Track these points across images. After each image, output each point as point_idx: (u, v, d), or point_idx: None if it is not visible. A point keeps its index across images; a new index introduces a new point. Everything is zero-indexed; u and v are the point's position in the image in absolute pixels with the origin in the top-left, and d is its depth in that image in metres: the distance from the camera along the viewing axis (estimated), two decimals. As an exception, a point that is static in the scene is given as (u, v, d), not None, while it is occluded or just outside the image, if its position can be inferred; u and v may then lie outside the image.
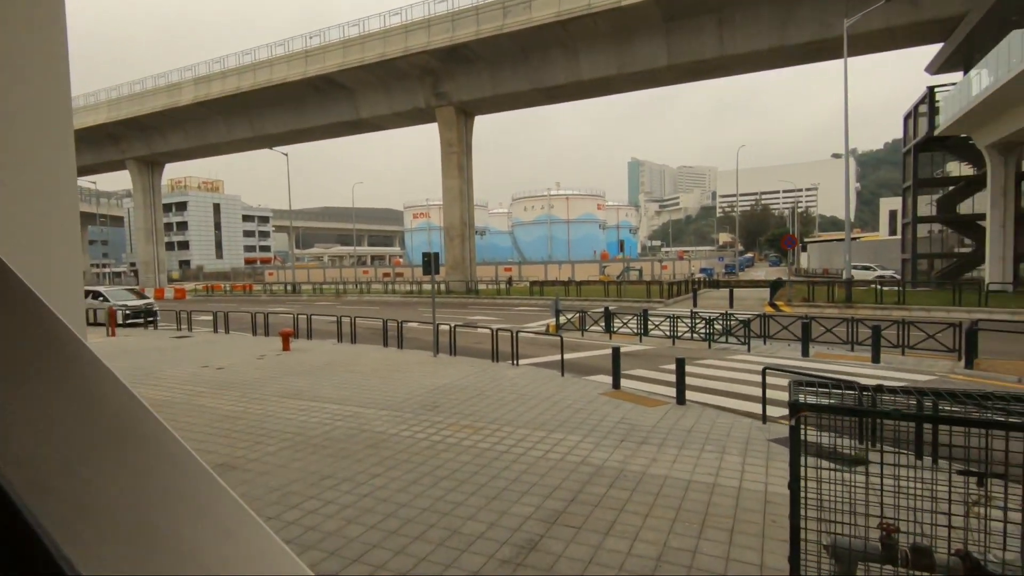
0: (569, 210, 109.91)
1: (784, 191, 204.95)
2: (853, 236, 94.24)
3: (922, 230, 38.90)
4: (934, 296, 23.51)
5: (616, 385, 10.75)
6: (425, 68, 36.18)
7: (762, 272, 74.01)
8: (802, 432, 3.49)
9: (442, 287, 40.38)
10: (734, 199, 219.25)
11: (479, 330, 21.33)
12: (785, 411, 9.15)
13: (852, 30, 25.02)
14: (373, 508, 5.54)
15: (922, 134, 33.58)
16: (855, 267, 52.50)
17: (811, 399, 3.88)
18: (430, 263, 14.36)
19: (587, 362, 13.87)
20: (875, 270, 48.31)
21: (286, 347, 16.30)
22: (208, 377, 12.53)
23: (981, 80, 24.36)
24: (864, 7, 25.84)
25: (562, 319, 19.28)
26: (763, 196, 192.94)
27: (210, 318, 27.08)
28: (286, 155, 46.58)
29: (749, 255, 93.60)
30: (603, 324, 18.34)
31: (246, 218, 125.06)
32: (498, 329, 14.04)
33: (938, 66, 30.20)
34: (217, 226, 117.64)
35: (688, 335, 16.19)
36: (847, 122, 22.37)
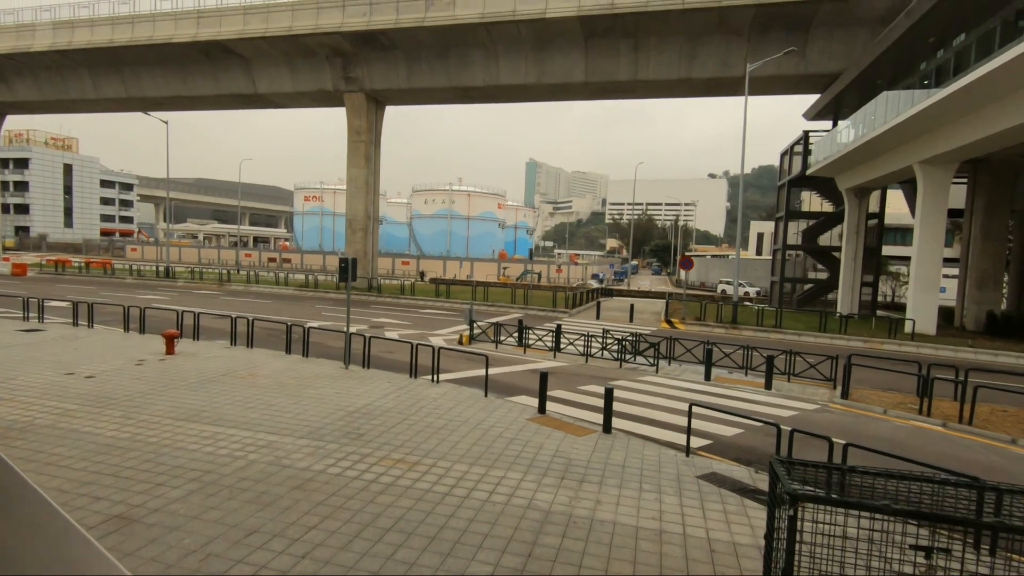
0: (470, 207, 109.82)
1: (666, 204, 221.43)
2: (723, 253, 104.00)
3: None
4: (803, 320, 26.45)
5: (542, 410, 10.76)
6: (336, 49, 34.07)
7: (647, 281, 79.00)
8: (799, 523, 3.57)
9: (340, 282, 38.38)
10: (622, 207, 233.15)
11: (387, 334, 20.52)
12: (704, 441, 9.72)
13: (750, 73, 27.34)
14: (318, 574, 4.98)
15: (796, 171, 37.60)
16: (726, 282, 58.25)
17: (797, 474, 4.01)
18: (347, 270, 13.45)
19: (506, 379, 13.79)
20: (743, 286, 54.08)
21: (170, 350, 14.49)
22: (76, 389, 10.76)
23: (850, 133, 27.76)
24: (760, 53, 28.37)
25: (476, 329, 19.07)
26: (649, 207, 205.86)
27: (64, 305, 23.48)
28: (166, 122, 41.61)
29: (634, 263, 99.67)
30: (517, 336, 18.38)
31: (105, 184, 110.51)
32: (417, 344, 13.48)
33: (814, 114, 33.99)
34: (68, 190, 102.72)
35: (599, 353, 16.71)
36: (743, 157, 24.47)
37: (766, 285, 52.87)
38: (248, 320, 16.48)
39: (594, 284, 70.88)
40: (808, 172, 34.66)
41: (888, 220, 38.96)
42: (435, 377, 12.69)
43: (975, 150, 21.52)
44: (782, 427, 7.99)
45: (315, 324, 22.08)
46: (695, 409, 9.02)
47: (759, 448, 9.50)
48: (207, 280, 41.02)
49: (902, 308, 44.83)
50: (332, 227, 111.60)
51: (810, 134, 35.88)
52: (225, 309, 25.70)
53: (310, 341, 15.18)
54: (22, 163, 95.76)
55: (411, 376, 13.06)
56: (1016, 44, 14.93)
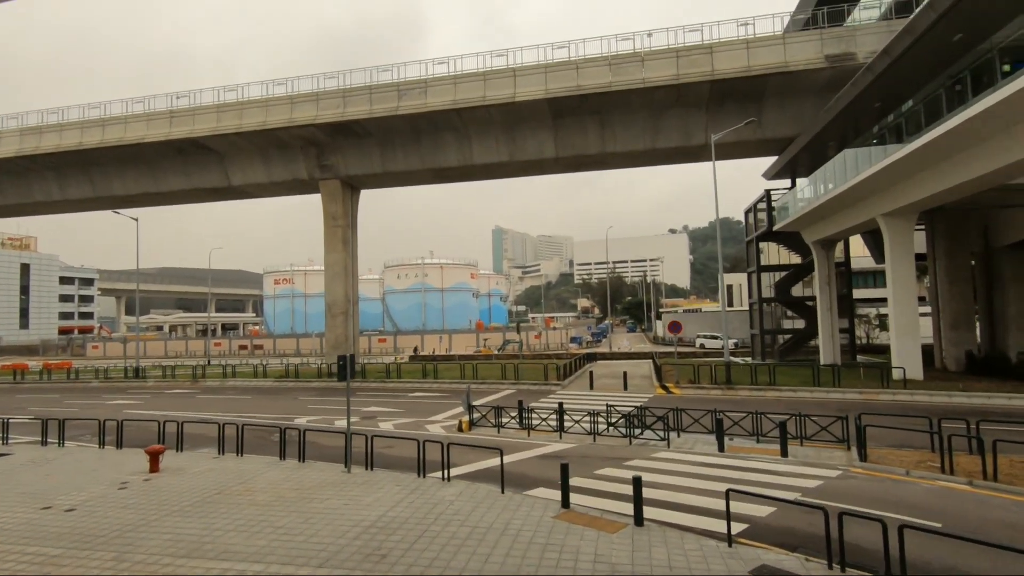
0: (443, 279, 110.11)
1: (632, 260, 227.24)
2: (694, 307, 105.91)
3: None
4: (795, 375, 26.60)
5: (566, 504, 10.22)
6: (310, 140, 34.76)
7: (625, 340, 79.35)
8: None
9: (323, 367, 37.20)
10: (589, 267, 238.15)
11: (381, 425, 19.70)
12: (740, 525, 9.28)
13: (711, 141, 28.90)
14: None
15: (761, 227, 39.11)
16: (705, 336, 58.93)
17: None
18: (345, 367, 12.98)
19: (518, 469, 13.18)
20: (721, 338, 54.85)
21: (154, 467, 13.48)
22: (57, 526, 9.77)
23: (813, 189, 29.21)
24: (719, 122, 30.13)
25: (475, 414, 18.47)
26: (616, 265, 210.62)
27: (28, 420, 21.96)
28: (136, 219, 41.10)
29: (608, 322, 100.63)
30: (518, 418, 17.85)
31: (64, 280, 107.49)
32: (425, 441, 12.87)
33: (772, 174, 35.88)
34: (24, 290, 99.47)
35: (607, 430, 16.29)
36: (718, 217, 25.42)
37: (742, 335, 53.67)
38: (238, 426, 15.57)
39: (574, 348, 70.88)
40: (775, 228, 36.07)
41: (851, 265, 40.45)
42: (446, 474, 12.05)
43: (932, 202, 22.79)
44: (827, 509, 7.68)
45: (304, 421, 21.17)
46: (721, 487, 8.67)
47: (800, 529, 9.11)
48: (180, 377, 39.27)
49: (877, 350, 45.90)
50: (304, 309, 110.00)
51: (771, 192, 37.69)
52: (205, 410, 24.47)
53: (302, 442, 14.35)
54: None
55: (419, 475, 12.38)
56: (963, 110, 16.16)
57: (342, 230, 36.29)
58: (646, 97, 29.66)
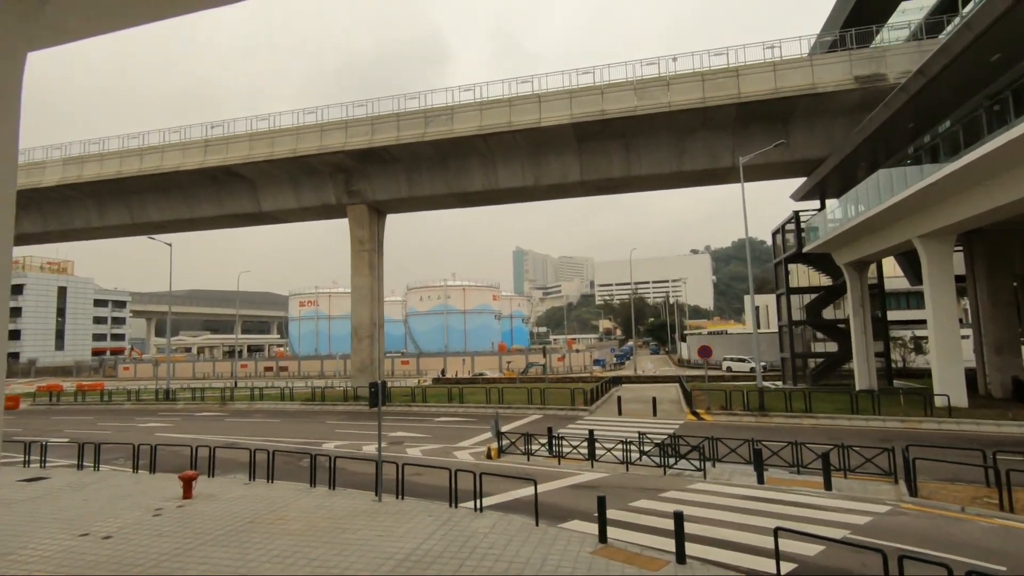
0: (466, 300, 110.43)
1: (654, 281, 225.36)
2: (720, 328, 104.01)
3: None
4: (831, 401, 25.74)
5: (603, 538, 9.92)
6: (339, 166, 35.48)
7: (649, 362, 78.12)
8: None
9: (348, 390, 37.32)
10: (611, 288, 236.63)
11: (408, 452, 19.56)
12: (789, 565, 8.86)
13: (739, 163, 28.67)
14: None
15: (789, 249, 38.45)
16: (731, 359, 57.59)
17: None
18: (377, 394, 12.96)
19: (551, 500, 12.88)
20: (748, 361, 53.59)
21: (187, 494, 13.54)
22: (95, 554, 9.81)
23: (846, 210, 28.67)
24: (745, 144, 29.91)
25: (504, 441, 18.23)
26: (638, 286, 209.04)
27: (64, 442, 22.38)
28: (170, 245, 42.25)
29: (630, 343, 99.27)
30: (547, 445, 17.55)
31: (98, 303, 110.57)
32: (457, 471, 12.70)
33: (801, 195, 35.34)
34: (61, 312, 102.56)
35: (638, 457, 15.90)
36: (747, 240, 24.97)
37: (771, 358, 52.34)
38: (268, 452, 15.60)
39: (598, 370, 70.01)
40: (805, 250, 35.43)
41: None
42: (478, 504, 11.83)
43: (972, 223, 22.13)
44: (884, 550, 7.29)
45: (332, 446, 21.16)
46: (764, 521, 8.30)
47: (852, 571, 8.67)
48: (209, 399, 39.79)
49: (914, 374, 44.33)
50: (328, 331, 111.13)
51: (800, 213, 37.13)
52: (234, 433, 24.65)
53: (325, 466, 14.28)
54: (16, 289, 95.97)
55: (451, 505, 12.19)
56: (1010, 128, 15.74)
57: (368, 254, 36.71)
58: (671, 120, 29.64)
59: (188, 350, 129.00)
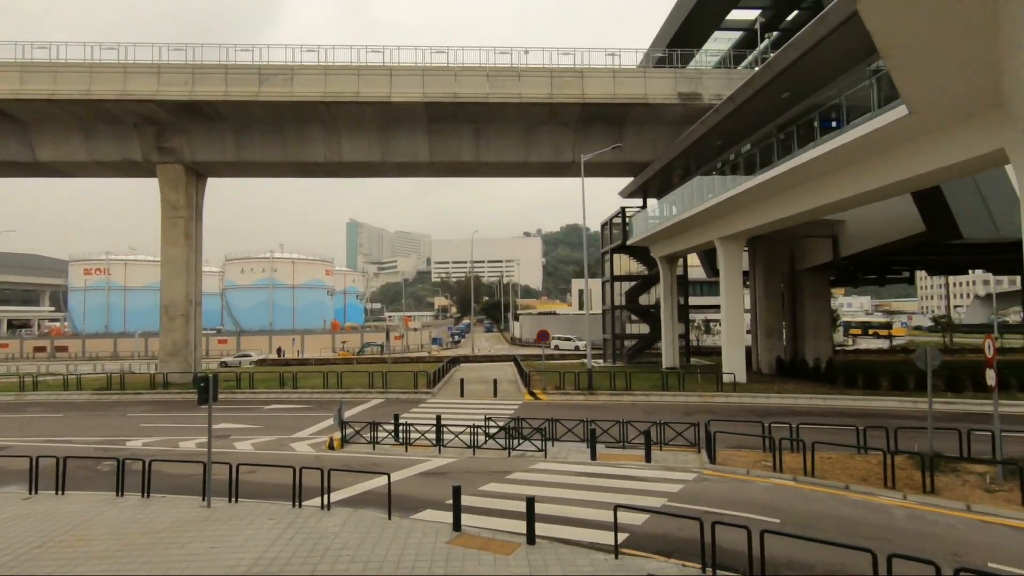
0: (295, 275, 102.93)
1: (489, 261, 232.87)
2: (549, 310, 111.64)
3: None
4: (647, 379, 29.27)
5: (457, 527, 10.20)
6: (148, 117, 30.31)
7: (484, 340, 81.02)
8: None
9: (156, 376, 32.57)
10: (447, 266, 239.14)
11: (237, 446, 17.87)
12: (623, 535, 9.98)
13: (579, 159, 30.75)
14: None
15: (615, 241, 42.52)
16: (559, 338, 62.64)
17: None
18: (207, 390, 11.59)
19: (401, 490, 12.76)
20: (573, 340, 59.43)
21: (-61, 518, 10.83)
22: None
23: (664, 210, 32.44)
24: (586, 142, 32.16)
25: (348, 430, 17.58)
26: (474, 265, 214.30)
27: None
28: None
29: (466, 321, 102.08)
30: (393, 432, 17.37)
31: None
32: (302, 468, 11.95)
33: (627, 193, 39.22)
34: None
35: (484, 441, 16.52)
36: (584, 233, 27.07)
37: (595, 338, 57.99)
38: (58, 457, 13.08)
39: (436, 349, 70.69)
40: (629, 243, 39.46)
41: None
42: (325, 501, 11.32)
43: (759, 231, 26.68)
44: (701, 519, 8.60)
45: (139, 443, 18.45)
46: (599, 496, 9.30)
47: (673, 535, 10.03)
48: (-46, 390, 31.83)
49: (705, 351, 52.13)
50: (123, 304, 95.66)
51: (626, 209, 41.17)
52: (4, 434, 20.16)
53: (136, 469, 12.43)
54: None
55: (294, 504, 11.50)
56: (789, 159, 19.15)
57: (184, 222, 32.24)
58: (521, 111, 30.63)
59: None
